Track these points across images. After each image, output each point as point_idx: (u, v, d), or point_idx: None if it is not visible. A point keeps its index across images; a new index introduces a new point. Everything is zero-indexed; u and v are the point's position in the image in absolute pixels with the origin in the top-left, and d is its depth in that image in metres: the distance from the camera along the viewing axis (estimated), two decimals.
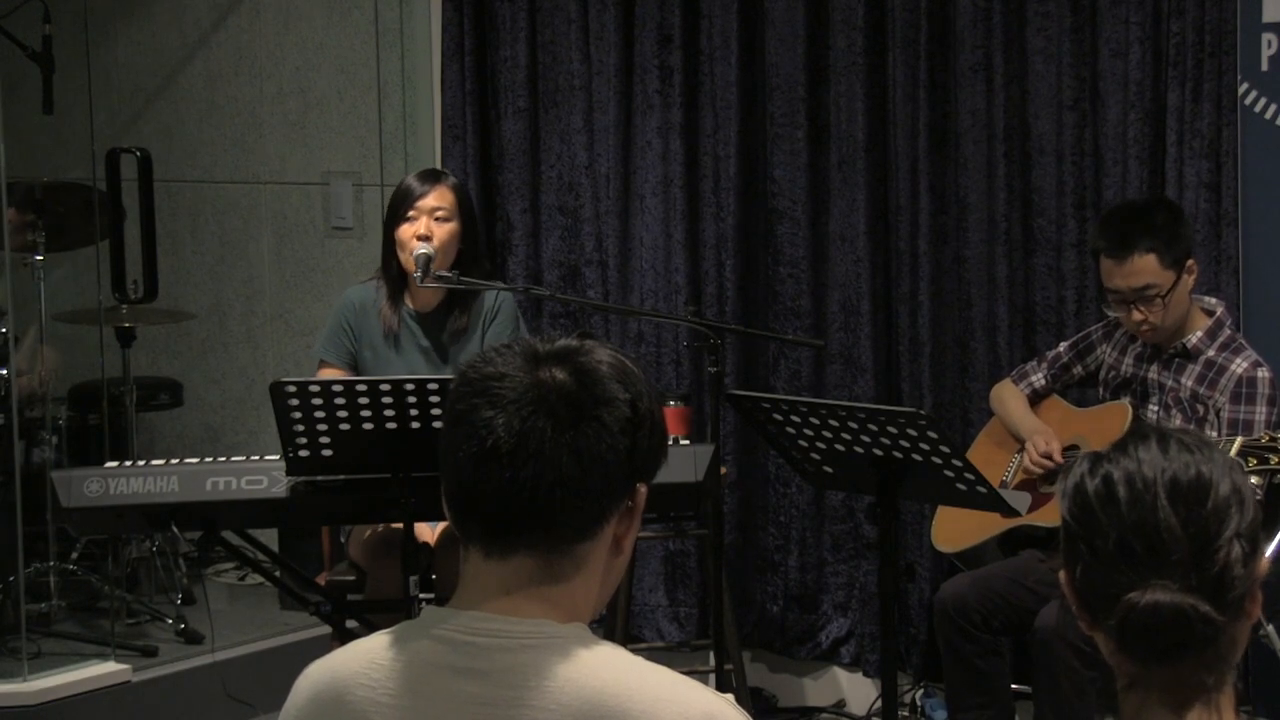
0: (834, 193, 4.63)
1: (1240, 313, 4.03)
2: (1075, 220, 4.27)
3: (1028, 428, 3.99)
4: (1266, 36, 3.97)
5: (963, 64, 4.37)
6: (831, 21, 4.58)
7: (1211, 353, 3.73)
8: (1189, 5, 4.02)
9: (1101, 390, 3.97)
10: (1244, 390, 3.65)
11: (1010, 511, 3.71)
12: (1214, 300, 3.84)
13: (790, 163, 4.68)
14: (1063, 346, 4.06)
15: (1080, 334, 4.05)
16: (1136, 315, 3.70)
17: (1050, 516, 3.85)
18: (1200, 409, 3.71)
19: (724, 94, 4.72)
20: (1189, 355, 3.75)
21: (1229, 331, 3.77)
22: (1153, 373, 3.82)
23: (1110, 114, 4.20)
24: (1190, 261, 3.71)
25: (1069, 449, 3.90)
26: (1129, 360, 3.88)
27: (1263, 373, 3.66)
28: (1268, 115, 3.97)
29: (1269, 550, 3.49)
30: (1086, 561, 1.51)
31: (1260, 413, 3.64)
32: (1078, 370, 4.03)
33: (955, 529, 4.03)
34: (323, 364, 3.91)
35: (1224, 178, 4.04)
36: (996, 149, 4.35)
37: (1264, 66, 3.97)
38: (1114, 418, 3.82)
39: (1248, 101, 3.99)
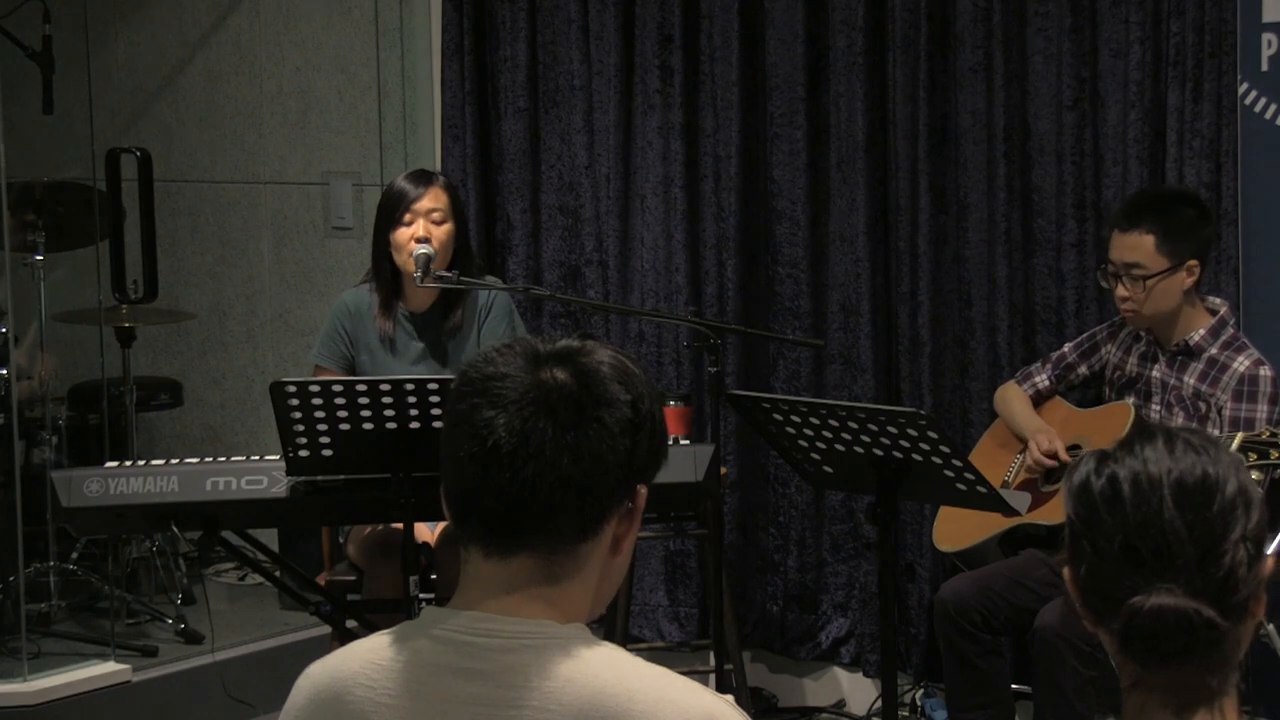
0: (834, 193, 4.63)
1: (1240, 313, 4.03)
2: (1075, 220, 4.27)
3: (1030, 427, 3.99)
4: (1266, 36, 3.97)
5: (963, 64, 4.37)
6: (831, 21, 4.58)
7: (1214, 350, 3.74)
8: (1189, 5, 4.02)
9: (1107, 390, 3.97)
10: (1245, 388, 3.66)
11: (1010, 511, 3.71)
12: (1218, 300, 3.85)
13: (790, 163, 4.68)
14: (1067, 347, 4.07)
15: (1085, 334, 4.06)
16: (1120, 290, 3.76)
17: (1051, 515, 3.85)
18: (1203, 406, 3.71)
19: (724, 94, 4.72)
20: (1191, 353, 3.76)
21: (1232, 330, 3.78)
22: (1156, 371, 3.82)
23: (1110, 114, 4.20)
24: (1193, 263, 3.71)
25: (1071, 448, 3.91)
26: (1133, 359, 3.89)
27: (1265, 370, 3.67)
28: (1268, 115, 3.97)
29: (1271, 549, 3.49)
30: (1091, 561, 1.50)
31: (1262, 410, 3.65)
32: (1082, 370, 4.03)
33: (956, 528, 4.03)
34: (318, 369, 3.91)
35: (1224, 178, 4.04)
36: (996, 149, 4.35)
37: (1264, 66, 3.97)
38: (1116, 417, 3.83)
39: (1248, 101, 3.99)
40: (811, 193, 4.67)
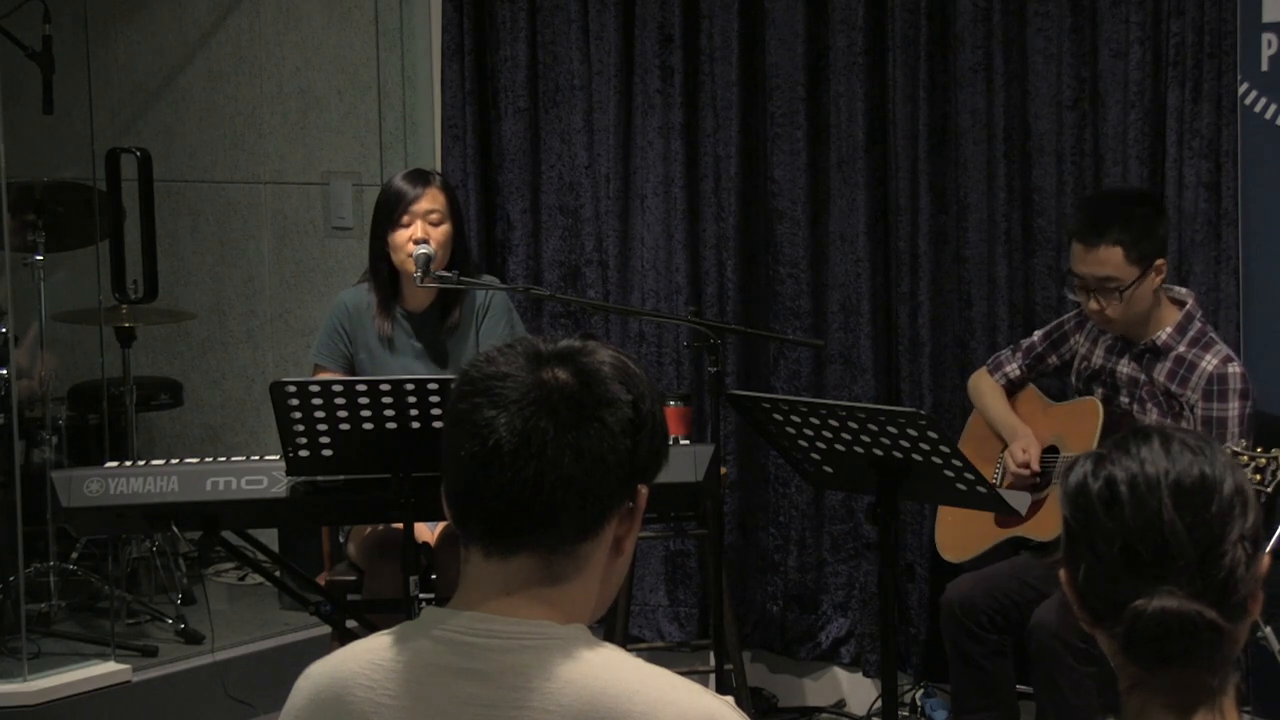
0: (834, 193, 4.63)
1: (1240, 313, 4.03)
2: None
3: (1007, 429, 3.99)
4: (1266, 36, 3.97)
5: (963, 64, 4.37)
6: (831, 21, 4.58)
7: (1181, 349, 3.71)
8: (1189, 5, 4.02)
9: (1074, 380, 3.96)
10: (1215, 387, 3.64)
11: (1010, 511, 3.71)
12: (1184, 290, 3.83)
13: (790, 163, 4.68)
14: (1037, 335, 4.06)
15: (1053, 323, 4.04)
16: (1093, 304, 3.71)
17: (1040, 529, 3.85)
18: (1175, 405, 3.70)
19: (724, 94, 4.72)
20: (1159, 352, 3.74)
21: (1199, 325, 3.75)
22: (1123, 366, 3.81)
23: (1110, 114, 4.20)
24: (1160, 261, 3.69)
25: (1048, 450, 3.90)
26: (1100, 352, 3.88)
27: (1233, 368, 3.65)
28: (1268, 115, 3.97)
29: (1267, 547, 3.48)
30: (1089, 564, 1.49)
31: (1233, 408, 3.62)
32: (1052, 360, 4.02)
33: (957, 540, 4.04)
34: (318, 369, 3.90)
35: (1224, 178, 4.03)
36: (996, 149, 4.35)
37: (1264, 66, 3.97)
38: (1087, 415, 3.82)
39: (1248, 101, 3.99)
40: (812, 193, 4.67)
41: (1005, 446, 3.98)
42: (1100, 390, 3.85)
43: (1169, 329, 3.73)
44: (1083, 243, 3.69)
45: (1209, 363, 3.66)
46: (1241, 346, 4.03)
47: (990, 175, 4.37)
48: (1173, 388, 3.70)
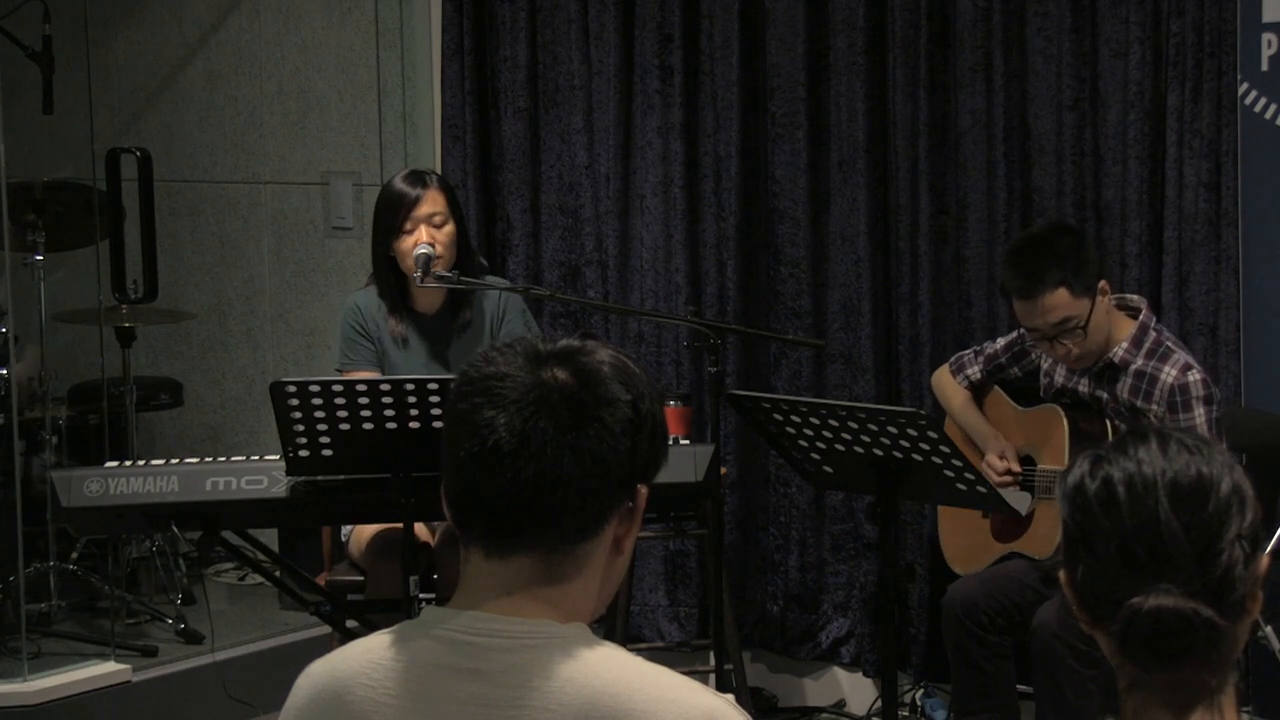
0: (834, 193, 4.64)
1: (1240, 312, 4.03)
2: (1075, 220, 4.26)
3: (980, 436, 3.99)
4: (1266, 36, 3.97)
5: (963, 64, 4.37)
6: (831, 21, 4.58)
7: (1139, 363, 3.70)
8: (1189, 5, 4.02)
9: (1041, 394, 3.96)
10: (1179, 398, 3.63)
11: (1010, 512, 3.71)
12: (1135, 298, 3.82)
13: (790, 163, 4.69)
14: (1000, 344, 4.05)
15: (1015, 336, 4.02)
16: (1060, 349, 3.69)
17: (1034, 547, 3.85)
18: (1143, 420, 3.69)
19: (724, 94, 4.72)
20: (1118, 369, 3.73)
21: (1154, 334, 3.74)
22: (1084, 386, 3.81)
23: (1110, 114, 4.20)
24: (1102, 283, 3.68)
25: (1023, 461, 3.90)
26: (1062, 370, 3.88)
27: (1192, 375, 3.64)
28: (1268, 115, 3.97)
29: (1267, 547, 3.48)
30: (1087, 564, 1.50)
31: (1199, 414, 3.62)
32: (1014, 372, 4.03)
33: (961, 552, 4.04)
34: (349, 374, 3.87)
35: (1224, 178, 4.04)
36: (996, 149, 4.35)
37: (1264, 66, 3.97)
38: (1054, 424, 3.82)
39: (1248, 101, 3.99)
40: (812, 192, 4.67)
41: (981, 454, 3.98)
42: (1067, 401, 3.86)
43: (1125, 344, 3.72)
44: (1025, 298, 3.66)
45: (1168, 374, 3.65)
46: (1241, 346, 4.03)
47: (990, 175, 4.37)
48: (1137, 403, 3.70)
